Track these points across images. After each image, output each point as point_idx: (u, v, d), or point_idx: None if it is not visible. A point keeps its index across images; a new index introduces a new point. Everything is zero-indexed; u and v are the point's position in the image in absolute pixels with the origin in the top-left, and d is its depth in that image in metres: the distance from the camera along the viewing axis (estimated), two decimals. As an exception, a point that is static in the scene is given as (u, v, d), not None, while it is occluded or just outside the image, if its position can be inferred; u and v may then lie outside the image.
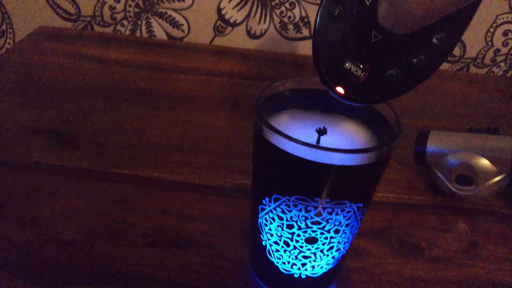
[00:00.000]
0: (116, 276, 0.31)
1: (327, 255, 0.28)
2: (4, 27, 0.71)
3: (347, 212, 0.26)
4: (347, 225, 0.27)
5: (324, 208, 0.25)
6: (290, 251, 0.28)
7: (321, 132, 0.27)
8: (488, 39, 0.69)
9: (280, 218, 0.26)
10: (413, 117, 0.55)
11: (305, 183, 0.24)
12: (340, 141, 0.28)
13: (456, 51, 0.70)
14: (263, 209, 0.27)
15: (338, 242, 0.28)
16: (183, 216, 0.36)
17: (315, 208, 0.25)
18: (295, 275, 0.29)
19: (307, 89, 0.29)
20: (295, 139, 0.23)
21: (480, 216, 0.40)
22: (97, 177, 0.40)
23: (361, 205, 0.26)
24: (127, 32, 0.71)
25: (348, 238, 0.28)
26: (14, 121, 0.45)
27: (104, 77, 0.56)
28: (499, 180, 0.39)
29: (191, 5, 0.68)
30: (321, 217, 0.26)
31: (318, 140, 0.26)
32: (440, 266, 0.35)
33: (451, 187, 0.40)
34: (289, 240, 0.27)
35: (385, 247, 0.36)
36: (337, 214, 0.26)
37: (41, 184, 0.38)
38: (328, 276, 0.30)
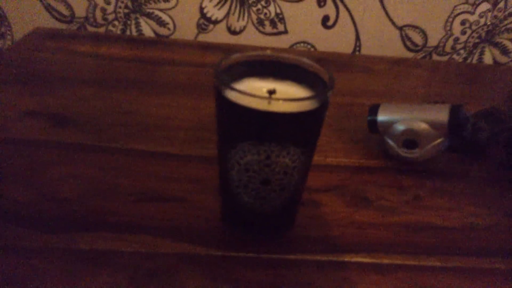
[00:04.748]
0: (107, 225, 0.37)
1: (280, 195, 0.34)
2: (3, 29, 0.77)
3: (292, 156, 0.32)
4: (293, 168, 0.33)
5: (272, 152, 0.31)
6: (249, 193, 0.34)
7: (271, 92, 0.33)
8: (447, 28, 0.75)
9: (239, 164, 0.32)
10: (378, 99, 0.61)
11: (256, 130, 0.30)
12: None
13: (418, 40, 0.77)
14: (225, 159, 0.33)
15: (288, 184, 0.33)
16: (165, 179, 0.42)
17: (265, 152, 0.31)
18: (256, 214, 0.35)
19: (263, 60, 0.35)
20: (246, 92, 0.29)
21: (425, 175, 0.46)
22: (90, 150, 0.45)
23: (304, 149, 0.32)
24: (118, 32, 0.77)
25: (297, 180, 0.34)
26: (16, 107, 0.51)
27: (97, 70, 0.62)
28: (439, 143, 0.45)
29: (176, 5, 0.74)
30: (271, 160, 0.31)
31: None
32: (385, 214, 0.41)
33: (398, 151, 0.46)
34: (247, 183, 0.33)
35: (338, 200, 0.42)
36: (283, 157, 0.31)
37: (41, 156, 0.44)
38: (285, 215, 0.36)
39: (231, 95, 0.30)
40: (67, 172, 0.42)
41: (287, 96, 0.33)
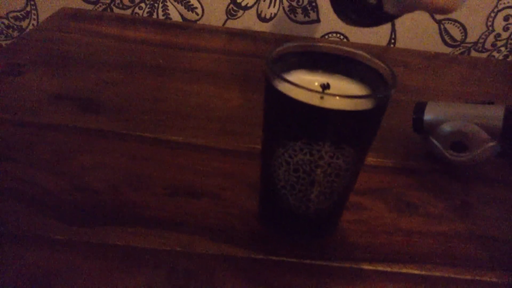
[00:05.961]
0: (141, 220, 0.35)
1: (329, 198, 0.31)
2: (28, 8, 0.75)
3: (346, 157, 0.29)
4: (346, 170, 0.30)
5: (326, 152, 0.28)
6: (295, 194, 0.31)
7: (325, 87, 0.30)
8: (489, 23, 0.71)
9: (288, 163, 0.30)
10: (416, 95, 0.58)
11: (310, 127, 0.28)
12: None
13: (458, 35, 0.73)
14: (271, 157, 0.31)
15: (339, 186, 0.31)
16: (197, 173, 0.40)
17: (318, 152, 0.28)
18: (300, 216, 0.33)
19: (312, 52, 0.33)
20: (302, 86, 0.26)
21: (473, 180, 0.44)
22: (119, 138, 0.43)
23: (360, 151, 0.30)
24: (145, 15, 0.75)
25: (348, 183, 0.31)
26: (42, 89, 0.49)
27: (123, 53, 0.60)
28: (491, 147, 0.42)
29: (205, -12, 0.72)
30: (324, 161, 0.29)
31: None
32: (432, 221, 0.38)
33: (446, 153, 0.43)
34: (295, 184, 0.31)
35: (382, 204, 0.39)
36: (337, 158, 0.29)
37: (69, 143, 0.42)
38: (329, 219, 0.34)
39: (283, 87, 0.27)
40: (97, 161, 0.40)
41: (340, 91, 0.31)
